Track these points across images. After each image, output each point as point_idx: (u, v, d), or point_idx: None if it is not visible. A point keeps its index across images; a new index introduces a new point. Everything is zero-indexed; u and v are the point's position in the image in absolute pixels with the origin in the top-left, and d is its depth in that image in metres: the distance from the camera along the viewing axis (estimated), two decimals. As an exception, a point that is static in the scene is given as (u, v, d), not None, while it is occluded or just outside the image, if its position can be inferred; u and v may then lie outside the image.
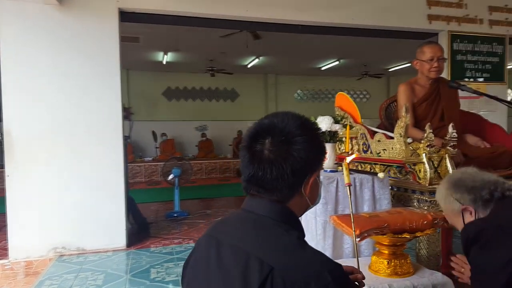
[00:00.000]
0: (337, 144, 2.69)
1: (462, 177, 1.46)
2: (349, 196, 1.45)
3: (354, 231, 1.51)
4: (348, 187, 1.46)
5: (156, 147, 11.55)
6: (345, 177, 1.49)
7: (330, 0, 4.86)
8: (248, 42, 7.96)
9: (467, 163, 2.46)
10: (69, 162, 4.17)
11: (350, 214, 1.95)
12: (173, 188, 6.10)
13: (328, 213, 2.09)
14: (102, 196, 4.24)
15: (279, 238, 0.92)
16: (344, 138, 2.63)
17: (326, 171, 2.40)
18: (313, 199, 1.08)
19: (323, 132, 2.38)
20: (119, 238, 4.32)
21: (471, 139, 2.77)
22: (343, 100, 2.95)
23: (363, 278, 1.17)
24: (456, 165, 2.32)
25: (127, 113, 10.39)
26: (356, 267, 1.22)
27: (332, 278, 0.84)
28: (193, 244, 4.37)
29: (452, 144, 2.27)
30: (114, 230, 4.31)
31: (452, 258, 1.64)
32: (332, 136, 2.38)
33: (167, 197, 7.14)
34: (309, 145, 0.99)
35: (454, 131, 2.27)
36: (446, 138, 2.28)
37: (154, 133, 11.41)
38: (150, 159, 11.22)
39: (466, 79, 5.36)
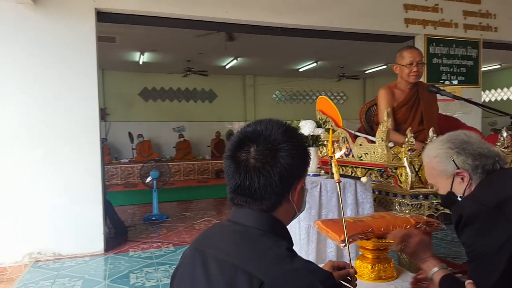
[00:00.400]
0: (319, 148, 2.70)
1: (470, 140, 1.33)
2: (339, 192, 1.43)
3: (346, 232, 1.48)
4: (337, 183, 1.46)
5: (133, 149, 11.35)
6: (335, 174, 1.49)
7: (309, 3, 4.90)
8: (226, 43, 7.93)
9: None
10: (44, 165, 4.06)
11: (334, 219, 1.97)
12: (151, 191, 6.01)
13: (312, 218, 2.09)
14: (78, 199, 4.14)
15: (267, 250, 0.90)
16: (326, 142, 2.65)
17: (309, 175, 2.41)
18: (300, 206, 1.07)
19: (306, 136, 2.38)
20: (97, 242, 4.22)
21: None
22: (324, 104, 2.97)
23: (355, 273, 1.19)
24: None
25: (103, 114, 10.17)
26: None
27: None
28: (172, 248, 4.32)
29: (432, 148, 2.31)
30: (92, 234, 4.21)
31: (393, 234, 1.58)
32: (315, 140, 2.39)
33: (145, 200, 7.02)
34: (295, 152, 0.98)
35: (435, 135, 2.31)
36: (427, 142, 2.32)
37: (130, 134, 11.20)
38: (126, 160, 11.01)
39: (442, 82, 5.50)
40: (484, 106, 2.58)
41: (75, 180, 4.14)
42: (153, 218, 5.75)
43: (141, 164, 6.70)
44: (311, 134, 2.37)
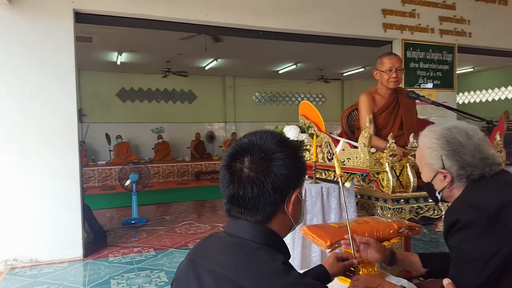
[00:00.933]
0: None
1: (467, 145, 1.28)
2: (341, 187, 1.46)
3: (350, 232, 1.51)
4: (340, 178, 1.50)
5: (110, 150, 11.17)
6: (337, 169, 1.54)
7: (290, 7, 4.94)
8: (208, 45, 7.90)
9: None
10: (20, 169, 3.95)
11: (319, 225, 1.99)
12: (130, 194, 5.92)
13: (297, 223, 2.10)
14: (56, 204, 4.05)
15: (263, 264, 0.90)
16: (310, 146, 2.67)
17: (293, 180, 2.43)
18: (297, 218, 1.06)
19: (301, 146, 2.41)
20: (75, 248, 4.14)
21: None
22: (307, 109, 3.00)
23: (359, 263, 1.23)
24: (417, 173, 2.42)
25: (79, 115, 9.96)
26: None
27: None
28: (153, 253, 4.27)
29: (413, 153, 2.38)
30: (70, 239, 4.12)
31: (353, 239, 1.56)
32: (299, 146, 2.41)
33: (123, 203, 6.92)
34: (289, 161, 0.99)
35: (415, 141, 2.37)
36: (408, 147, 2.38)
37: (107, 136, 11.02)
38: (103, 162, 10.82)
39: (419, 86, 5.64)
40: (460, 111, 2.67)
41: (52, 184, 4.04)
42: (133, 222, 5.67)
43: (119, 166, 6.60)
44: (295, 139, 2.39)
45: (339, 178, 1.51)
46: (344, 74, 12.77)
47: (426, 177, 1.39)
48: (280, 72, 12.13)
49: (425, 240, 4.43)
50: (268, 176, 0.96)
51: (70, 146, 4.13)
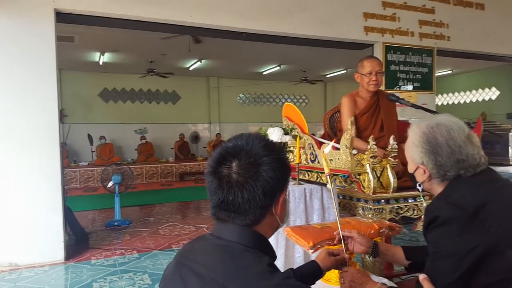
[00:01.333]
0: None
1: (444, 146, 1.30)
2: (331, 186, 1.50)
3: (342, 235, 1.58)
4: (328, 176, 1.54)
5: (93, 151, 11.02)
6: (325, 168, 1.58)
7: (274, 10, 4.98)
8: (191, 45, 7.89)
9: (406, 172, 2.65)
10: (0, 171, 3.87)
11: (302, 226, 2.03)
12: (112, 195, 5.86)
13: (281, 224, 2.14)
14: (36, 206, 3.99)
15: (249, 266, 0.92)
16: (293, 148, 2.71)
17: (276, 181, 2.46)
18: (283, 218, 1.10)
19: (285, 149, 2.44)
20: (57, 251, 4.08)
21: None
22: (291, 111, 3.04)
23: (350, 258, 1.30)
24: (397, 173, 2.49)
25: (61, 115, 9.80)
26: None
27: None
28: (137, 255, 4.25)
29: (393, 155, 2.43)
30: (51, 242, 4.06)
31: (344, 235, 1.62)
32: (284, 148, 2.45)
33: (106, 205, 6.85)
34: (276, 165, 1.01)
35: (395, 143, 2.43)
36: (388, 149, 2.44)
37: (90, 136, 10.87)
38: (85, 163, 10.68)
39: (399, 88, 5.75)
40: (439, 113, 2.74)
41: (32, 185, 3.98)
42: (116, 223, 5.61)
43: (102, 167, 6.53)
44: (279, 141, 2.43)
45: (328, 176, 1.56)
46: (327, 76, 12.91)
47: (410, 167, 1.45)
48: (264, 73, 12.18)
49: (406, 239, 4.52)
50: (258, 180, 0.98)
51: (51, 147, 4.07)
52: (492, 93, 12.88)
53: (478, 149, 1.33)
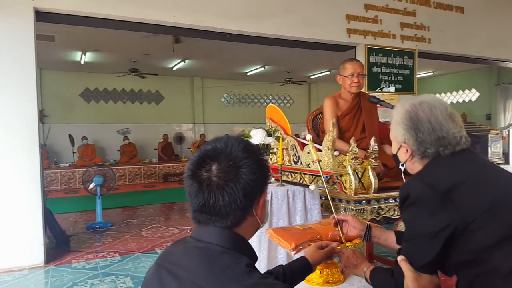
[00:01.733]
0: (270, 156, 2.77)
1: (425, 122, 1.31)
2: (320, 170, 1.52)
3: (337, 218, 1.63)
4: (318, 162, 1.56)
5: (74, 152, 10.85)
6: (313, 154, 1.66)
7: (257, 11, 4.99)
8: (174, 45, 7.84)
9: (386, 173, 2.69)
10: (-24, 174, 3.79)
11: (284, 227, 2.03)
12: (94, 197, 5.78)
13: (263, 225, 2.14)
14: (16, 208, 3.92)
15: (227, 268, 0.93)
16: (276, 149, 2.72)
17: (259, 183, 2.46)
18: (263, 218, 1.11)
19: (264, 150, 2.45)
20: (36, 254, 4.01)
21: (389, 150, 3.01)
22: (274, 112, 3.05)
23: (337, 246, 1.38)
24: (377, 174, 2.52)
25: (41, 116, 9.64)
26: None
27: None
28: (119, 258, 4.20)
29: (374, 156, 2.46)
30: (30, 245, 3.99)
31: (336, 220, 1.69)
32: (266, 149, 2.46)
33: (87, 207, 6.76)
34: (256, 167, 1.02)
35: (376, 144, 2.46)
36: (369, 150, 2.46)
37: (71, 137, 10.70)
38: (66, 165, 10.51)
39: (381, 89, 5.82)
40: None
41: (11, 187, 3.91)
42: (97, 226, 5.54)
43: (83, 169, 6.43)
44: (262, 142, 2.43)
45: (317, 162, 1.57)
46: (311, 77, 12.98)
47: (393, 149, 1.46)
48: (248, 74, 12.18)
49: (388, 239, 4.57)
50: (239, 183, 0.98)
51: (31, 148, 4.00)
52: (472, 95, 13.16)
53: (460, 128, 1.34)
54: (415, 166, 1.39)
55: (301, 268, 1.46)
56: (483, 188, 1.22)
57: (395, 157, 1.47)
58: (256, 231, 1.12)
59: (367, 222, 1.70)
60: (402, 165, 1.43)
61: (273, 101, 14.36)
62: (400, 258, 1.26)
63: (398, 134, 1.38)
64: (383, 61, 5.80)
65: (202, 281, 0.91)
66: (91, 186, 5.79)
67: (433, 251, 1.20)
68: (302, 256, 1.54)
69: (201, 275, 0.93)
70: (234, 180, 0.98)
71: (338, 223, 1.65)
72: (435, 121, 1.31)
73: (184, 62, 10.35)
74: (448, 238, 1.18)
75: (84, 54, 9.16)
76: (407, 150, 1.36)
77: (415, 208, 1.24)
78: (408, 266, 1.23)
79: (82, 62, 9.79)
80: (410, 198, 1.25)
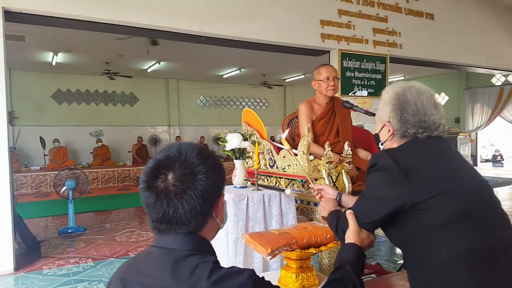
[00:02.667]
0: (245, 160, 2.79)
1: (411, 104, 1.41)
2: (290, 151, 1.58)
3: (316, 188, 1.60)
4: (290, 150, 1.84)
5: (45, 155, 10.55)
6: (286, 145, 1.99)
7: (233, 14, 5.00)
8: (149, 47, 7.76)
9: (360, 177, 2.75)
10: None
11: (260, 232, 2.05)
12: (66, 201, 5.64)
13: (240, 230, 2.15)
14: (-18, 215, 3.77)
15: (195, 267, 0.94)
16: (252, 153, 2.74)
17: (236, 187, 2.48)
18: (222, 220, 1.13)
19: (232, 150, 2.46)
20: (5, 261, 3.88)
21: (362, 153, 3.08)
22: (250, 116, 3.07)
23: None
24: (351, 178, 2.57)
25: (10, 118, 9.35)
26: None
27: (252, 283, 0.93)
28: (92, 263, 4.12)
29: (347, 160, 2.52)
30: (-1, 252, 3.86)
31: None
32: (242, 153, 2.47)
33: (59, 211, 6.59)
34: (212, 171, 1.03)
35: (349, 148, 2.51)
36: (343, 155, 2.52)
37: (42, 139, 10.40)
38: (37, 168, 10.20)
39: (354, 94, 5.94)
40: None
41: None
42: (69, 231, 5.40)
43: (55, 172, 6.27)
44: (238, 147, 2.44)
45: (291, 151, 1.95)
46: (286, 80, 13.09)
47: (376, 129, 1.57)
48: (224, 76, 12.17)
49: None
50: (196, 190, 0.99)
51: (-1, 151, 3.87)
52: (441, 99, 13.57)
53: (441, 116, 1.45)
54: (393, 146, 1.50)
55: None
56: (441, 175, 1.33)
57: (376, 136, 1.59)
58: (217, 232, 1.13)
59: (339, 191, 1.93)
60: (382, 144, 1.54)
61: (249, 103, 14.39)
62: (349, 212, 1.43)
63: (383, 113, 1.49)
64: (356, 66, 5.92)
65: (173, 284, 0.92)
66: (63, 189, 5.64)
67: (378, 214, 1.35)
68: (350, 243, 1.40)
69: (172, 279, 0.93)
70: (192, 187, 0.99)
71: (318, 192, 1.94)
72: (421, 104, 1.42)
73: (159, 64, 10.25)
74: (395, 210, 1.31)
75: (56, 55, 8.95)
76: (389, 130, 1.47)
77: (378, 174, 1.38)
78: (354, 220, 1.40)
79: (53, 63, 9.55)
80: (376, 165, 1.39)
